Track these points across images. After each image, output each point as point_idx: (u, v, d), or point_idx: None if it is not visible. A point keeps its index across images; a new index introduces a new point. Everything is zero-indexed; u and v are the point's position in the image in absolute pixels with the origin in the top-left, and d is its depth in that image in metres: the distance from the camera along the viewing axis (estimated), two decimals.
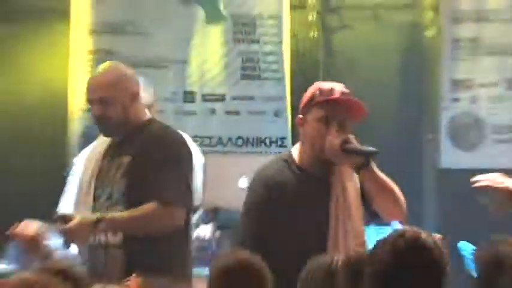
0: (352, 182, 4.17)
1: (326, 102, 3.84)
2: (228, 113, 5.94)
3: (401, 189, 4.74)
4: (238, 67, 6.02)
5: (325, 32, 6.47)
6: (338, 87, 3.93)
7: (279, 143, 6.02)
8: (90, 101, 4.10)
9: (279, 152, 5.31)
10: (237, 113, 6.00)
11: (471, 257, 3.92)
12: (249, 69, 6.06)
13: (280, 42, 6.10)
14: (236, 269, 3.01)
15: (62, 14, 6.36)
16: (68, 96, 6.42)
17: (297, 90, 5.57)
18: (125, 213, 3.91)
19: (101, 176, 4.22)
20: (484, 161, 6.16)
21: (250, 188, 4.20)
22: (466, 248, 4.05)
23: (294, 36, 6.26)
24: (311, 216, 4.15)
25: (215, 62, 6.01)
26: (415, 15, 6.56)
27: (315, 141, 3.94)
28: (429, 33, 6.51)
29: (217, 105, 5.94)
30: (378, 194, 4.19)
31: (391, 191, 4.17)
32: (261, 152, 5.99)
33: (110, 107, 3.96)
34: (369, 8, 6.39)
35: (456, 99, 6.27)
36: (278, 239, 4.11)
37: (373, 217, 4.34)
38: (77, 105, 6.35)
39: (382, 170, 4.08)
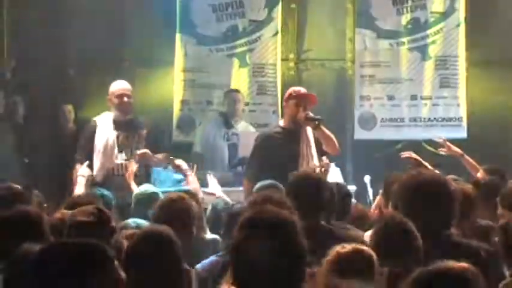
0: (311, 135, 7.11)
1: (297, 96, 7.18)
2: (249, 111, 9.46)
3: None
4: (255, 89, 9.62)
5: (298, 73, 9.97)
6: (302, 90, 7.32)
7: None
8: (126, 95, 7.43)
9: None
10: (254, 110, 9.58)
11: None
12: (262, 89, 9.59)
13: (275, 77, 9.66)
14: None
15: (168, 62, 9.74)
16: (172, 108, 9.67)
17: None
18: None
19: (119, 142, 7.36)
20: (376, 136, 9.59)
21: (255, 140, 7.33)
22: None
23: (282, 74, 9.77)
24: (288, 151, 7.06)
25: (244, 87, 9.52)
26: (342, 64, 9.94)
27: (293, 114, 7.10)
28: (349, 73, 9.88)
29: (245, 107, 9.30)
30: (324, 140, 7.09)
31: (331, 139, 7.10)
32: None
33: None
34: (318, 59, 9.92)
35: (362, 105, 9.63)
36: (269, 163, 6.97)
37: (323, 152, 7.26)
38: (175, 112, 9.68)
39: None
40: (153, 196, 5.95)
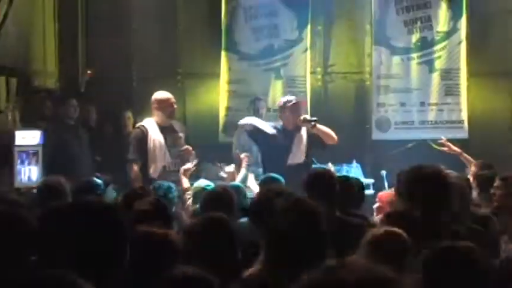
0: (304, 136, 7.79)
1: (289, 106, 7.88)
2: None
3: (356, 146, 9.41)
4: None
5: (324, 84, 10.46)
6: (291, 100, 7.90)
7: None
8: (175, 103, 7.61)
9: None
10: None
11: None
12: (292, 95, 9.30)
13: (305, 88, 10.10)
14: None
15: (216, 75, 10.34)
16: (218, 113, 10.29)
17: None
18: None
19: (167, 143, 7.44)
20: (391, 137, 10.07)
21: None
22: None
23: (311, 85, 10.16)
24: (286, 146, 7.77)
25: (278, 96, 9.59)
26: (362, 76, 10.47)
27: (290, 120, 7.82)
28: (367, 83, 10.36)
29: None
30: (322, 135, 7.74)
31: (328, 133, 7.73)
32: None
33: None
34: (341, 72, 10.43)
35: (379, 111, 10.10)
36: (270, 155, 7.77)
37: (322, 147, 7.90)
38: (221, 118, 10.25)
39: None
40: (207, 189, 6.06)
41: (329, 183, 5.15)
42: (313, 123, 7.72)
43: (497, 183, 5.79)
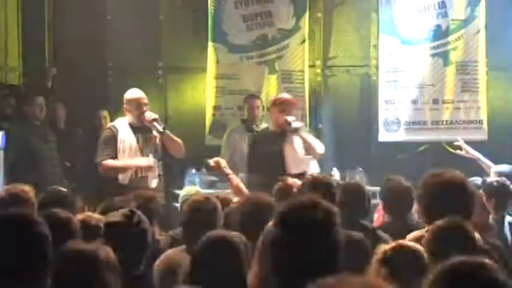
0: (295, 137, 7.60)
1: (280, 103, 7.67)
2: None
3: (361, 149, 8.88)
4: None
5: (324, 79, 10.21)
6: (284, 96, 7.83)
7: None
8: (144, 104, 7.41)
9: None
10: None
11: None
12: (290, 95, 8.86)
13: (303, 83, 9.83)
14: None
15: (201, 69, 10.01)
16: (205, 112, 9.87)
17: None
18: None
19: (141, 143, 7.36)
20: (400, 138, 9.75)
21: (250, 140, 7.97)
22: None
23: (309, 80, 9.92)
24: (274, 149, 7.52)
25: (273, 93, 9.53)
26: (367, 70, 10.20)
27: (277, 120, 7.59)
28: (374, 78, 10.09)
29: None
30: (304, 145, 7.60)
31: (310, 144, 7.59)
32: None
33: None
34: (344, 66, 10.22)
35: (387, 109, 9.78)
36: (260, 158, 7.48)
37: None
38: (208, 117, 9.82)
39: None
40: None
41: (328, 191, 5.20)
42: (295, 129, 7.59)
43: None
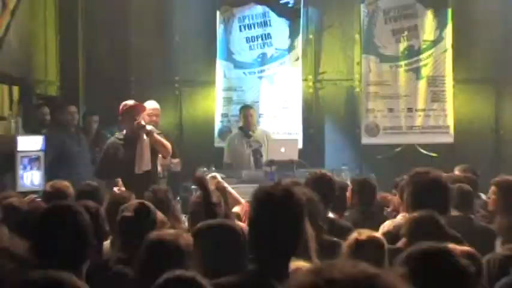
0: (147, 141, 7.35)
1: (128, 108, 7.48)
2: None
3: (346, 151, 9.97)
4: (281, 104, 10.26)
5: (315, 91, 10.68)
6: (131, 102, 7.44)
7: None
8: (155, 115, 7.83)
9: None
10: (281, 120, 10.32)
11: None
12: (286, 104, 10.19)
13: (297, 94, 10.35)
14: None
15: (211, 83, 10.55)
16: (214, 119, 10.39)
17: None
18: None
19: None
20: (380, 141, 10.34)
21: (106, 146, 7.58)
22: None
23: (303, 91, 10.37)
24: (128, 154, 7.32)
25: (272, 103, 10.24)
26: (351, 83, 10.70)
27: (130, 124, 7.31)
28: (357, 90, 10.64)
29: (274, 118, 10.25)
30: (156, 146, 7.46)
31: (161, 145, 7.42)
32: None
33: None
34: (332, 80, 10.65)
35: (367, 116, 10.35)
36: (115, 163, 7.29)
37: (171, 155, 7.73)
38: (216, 123, 10.34)
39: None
40: None
41: (329, 184, 5.34)
42: (146, 132, 7.48)
43: (492, 189, 5.87)
